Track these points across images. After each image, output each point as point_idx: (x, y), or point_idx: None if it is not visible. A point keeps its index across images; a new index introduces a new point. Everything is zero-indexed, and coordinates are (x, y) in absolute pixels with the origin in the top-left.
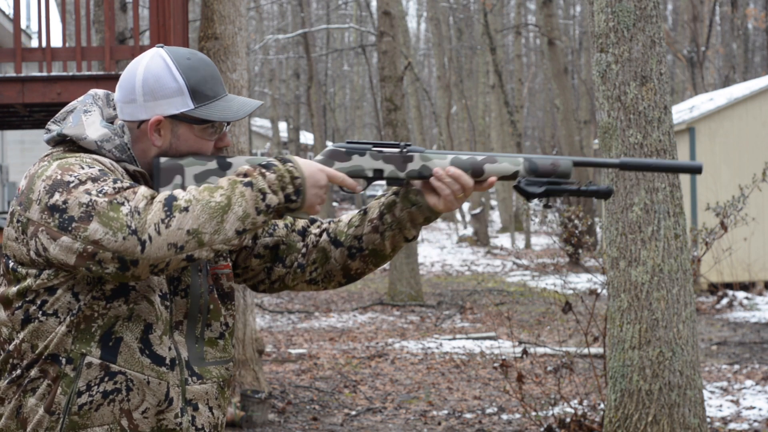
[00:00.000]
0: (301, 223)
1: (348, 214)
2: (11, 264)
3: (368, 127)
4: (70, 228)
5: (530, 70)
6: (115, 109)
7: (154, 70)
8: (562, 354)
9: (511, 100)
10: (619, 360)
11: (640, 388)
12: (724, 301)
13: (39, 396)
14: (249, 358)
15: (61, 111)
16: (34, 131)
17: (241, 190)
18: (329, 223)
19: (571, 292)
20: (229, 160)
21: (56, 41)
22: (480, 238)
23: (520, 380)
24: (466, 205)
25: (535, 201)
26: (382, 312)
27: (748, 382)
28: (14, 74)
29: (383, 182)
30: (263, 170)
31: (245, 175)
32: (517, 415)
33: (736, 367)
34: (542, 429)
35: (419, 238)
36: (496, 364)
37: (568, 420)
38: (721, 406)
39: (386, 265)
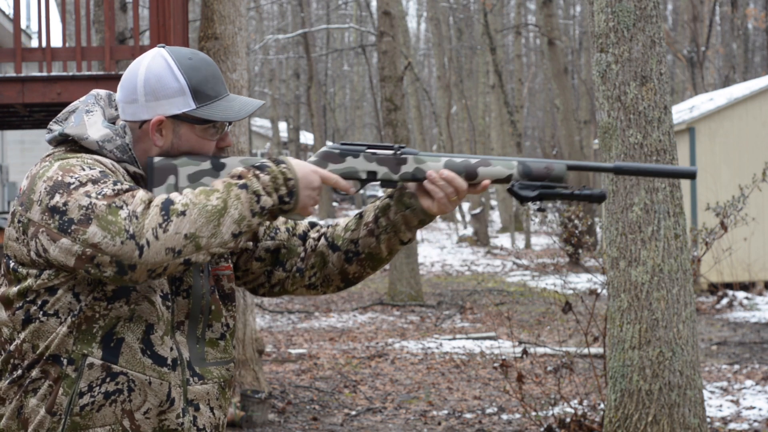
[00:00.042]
0: (302, 227)
1: (345, 218)
2: (12, 264)
3: (368, 127)
4: (69, 230)
5: (530, 70)
6: (117, 109)
7: (155, 70)
8: (562, 354)
9: (511, 100)
10: (619, 360)
11: (640, 388)
12: (724, 301)
13: (40, 397)
14: (249, 358)
15: (63, 111)
16: (34, 131)
17: (237, 193)
18: (327, 227)
19: (571, 292)
20: (222, 160)
21: (56, 41)
22: (480, 238)
23: (520, 380)
24: (466, 205)
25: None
26: (382, 312)
27: (748, 382)
28: (14, 74)
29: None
30: (257, 171)
31: (239, 177)
32: (517, 415)
33: (736, 367)
34: (542, 429)
35: (419, 238)
36: (496, 364)
37: (568, 420)
38: (721, 406)
39: (386, 265)
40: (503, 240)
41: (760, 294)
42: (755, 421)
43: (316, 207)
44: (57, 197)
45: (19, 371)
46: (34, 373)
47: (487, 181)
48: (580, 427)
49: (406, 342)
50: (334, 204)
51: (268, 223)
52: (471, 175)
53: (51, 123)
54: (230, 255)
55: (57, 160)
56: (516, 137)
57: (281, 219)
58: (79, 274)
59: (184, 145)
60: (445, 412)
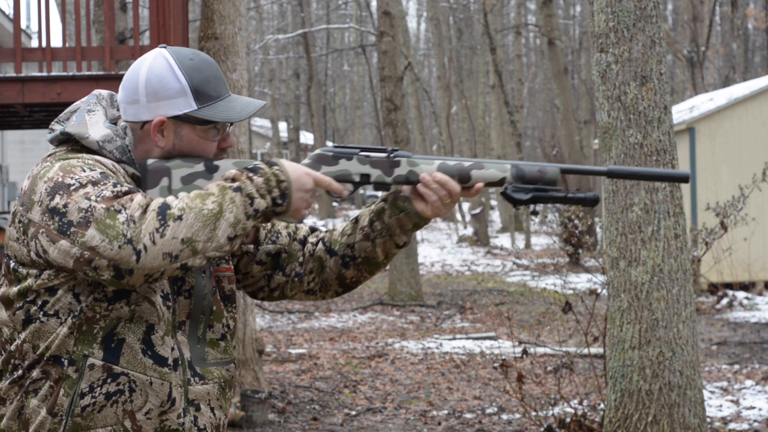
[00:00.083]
0: (302, 232)
1: (342, 223)
2: (12, 264)
3: (368, 127)
4: (68, 232)
5: (530, 70)
6: (118, 110)
7: (157, 71)
8: (562, 354)
9: (511, 100)
10: (619, 360)
11: (640, 388)
12: (724, 301)
13: (41, 397)
14: (249, 358)
15: (65, 111)
16: (34, 131)
17: (231, 196)
18: (325, 232)
19: (571, 292)
20: (216, 162)
21: (56, 41)
22: (480, 238)
23: (520, 380)
24: (466, 205)
25: (522, 207)
26: (382, 312)
27: (748, 382)
28: (14, 74)
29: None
30: (250, 174)
31: (233, 179)
32: (517, 415)
33: (736, 367)
34: (542, 429)
35: (419, 238)
36: (496, 364)
37: (568, 420)
38: (721, 406)
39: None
40: (503, 240)
41: (760, 294)
42: (755, 421)
43: (315, 207)
44: (57, 198)
45: (20, 371)
46: (35, 373)
47: (480, 184)
48: (580, 427)
49: (406, 342)
50: (334, 204)
51: (269, 226)
52: (464, 178)
53: (53, 123)
54: (231, 257)
55: (58, 161)
56: (516, 137)
57: (282, 223)
58: (79, 275)
59: (185, 145)
60: (445, 412)
